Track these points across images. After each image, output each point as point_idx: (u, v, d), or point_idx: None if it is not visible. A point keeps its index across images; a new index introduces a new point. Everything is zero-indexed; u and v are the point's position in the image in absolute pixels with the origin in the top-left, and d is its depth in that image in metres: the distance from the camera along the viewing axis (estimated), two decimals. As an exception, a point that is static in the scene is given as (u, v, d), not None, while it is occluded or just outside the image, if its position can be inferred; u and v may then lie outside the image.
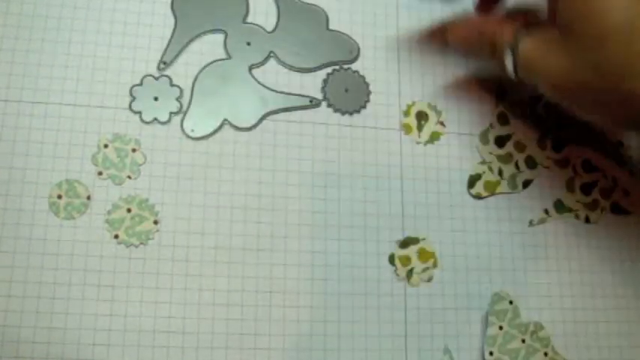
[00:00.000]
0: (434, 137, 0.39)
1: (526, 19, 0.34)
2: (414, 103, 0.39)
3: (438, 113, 0.39)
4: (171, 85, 0.37)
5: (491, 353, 0.35)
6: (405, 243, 0.37)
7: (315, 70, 0.39)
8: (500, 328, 0.36)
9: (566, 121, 0.40)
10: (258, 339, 0.34)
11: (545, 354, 0.36)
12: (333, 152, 0.38)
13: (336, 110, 0.39)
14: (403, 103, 0.39)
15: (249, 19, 0.39)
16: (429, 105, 0.39)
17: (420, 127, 0.38)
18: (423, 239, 0.37)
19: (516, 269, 0.38)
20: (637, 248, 0.40)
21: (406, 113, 0.39)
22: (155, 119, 0.36)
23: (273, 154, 0.37)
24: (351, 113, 0.39)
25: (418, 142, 0.38)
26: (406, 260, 0.37)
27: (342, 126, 0.38)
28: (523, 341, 0.36)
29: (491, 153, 0.40)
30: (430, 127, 0.39)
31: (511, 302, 0.36)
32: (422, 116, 0.39)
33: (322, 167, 0.37)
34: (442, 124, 0.39)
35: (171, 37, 0.38)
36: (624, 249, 0.40)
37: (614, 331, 0.38)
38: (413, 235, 0.37)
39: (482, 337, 0.36)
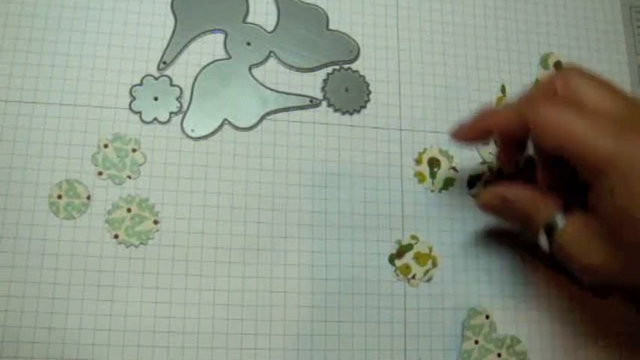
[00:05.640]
0: (447, 184, 0.39)
1: (562, 199, 0.31)
2: (425, 151, 0.39)
3: (450, 159, 0.39)
4: (171, 85, 0.37)
5: None
6: (400, 253, 0.37)
7: (315, 70, 0.39)
8: (476, 342, 0.36)
9: None
10: (258, 339, 0.34)
11: None
12: (333, 152, 0.38)
13: (336, 110, 0.39)
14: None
15: (249, 19, 0.39)
16: (440, 151, 0.39)
17: (433, 175, 0.38)
18: (416, 242, 0.37)
19: (516, 270, 0.38)
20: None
21: (418, 161, 0.38)
22: (155, 119, 0.36)
23: (273, 154, 0.37)
24: (351, 113, 0.39)
25: (432, 190, 0.38)
26: (406, 269, 0.37)
27: (342, 126, 0.38)
28: (499, 355, 0.36)
29: (491, 153, 0.40)
30: (443, 173, 0.39)
31: (487, 317, 0.36)
32: (434, 163, 0.38)
33: (322, 167, 0.37)
34: (454, 169, 0.39)
35: (171, 37, 0.38)
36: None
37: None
38: (413, 233, 0.37)
39: (457, 351, 0.36)
